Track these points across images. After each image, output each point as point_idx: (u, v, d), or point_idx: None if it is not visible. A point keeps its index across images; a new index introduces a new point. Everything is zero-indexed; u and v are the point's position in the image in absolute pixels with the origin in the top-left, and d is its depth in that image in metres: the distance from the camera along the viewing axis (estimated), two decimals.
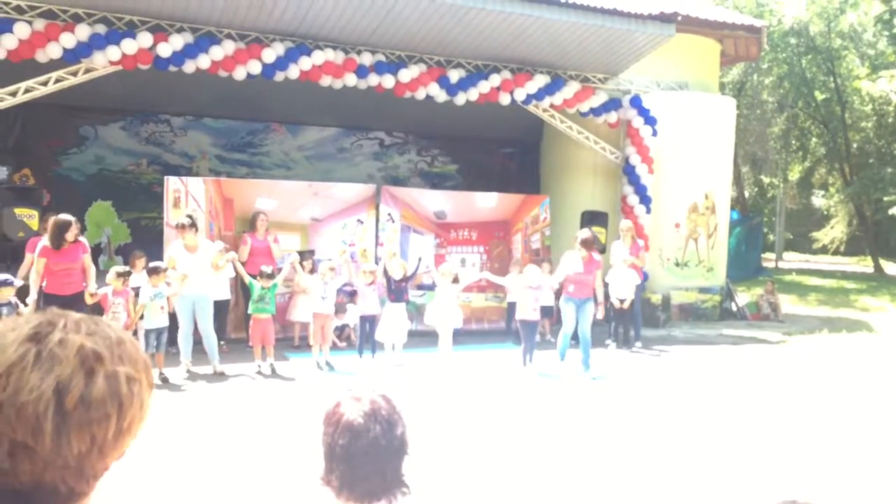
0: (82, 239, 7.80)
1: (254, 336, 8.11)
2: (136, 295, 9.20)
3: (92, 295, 7.66)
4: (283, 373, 8.02)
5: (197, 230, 8.25)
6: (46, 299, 7.43)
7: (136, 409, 0.94)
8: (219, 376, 7.87)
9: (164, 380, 7.49)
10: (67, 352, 0.90)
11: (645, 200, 12.80)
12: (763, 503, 1.31)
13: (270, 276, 8.32)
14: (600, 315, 9.20)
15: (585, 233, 9.11)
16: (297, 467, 4.47)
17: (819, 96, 27.99)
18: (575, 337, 8.82)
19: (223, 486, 4.73)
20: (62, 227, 7.47)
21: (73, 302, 7.37)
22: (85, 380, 0.90)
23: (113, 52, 9.68)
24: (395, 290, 8.98)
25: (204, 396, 7.08)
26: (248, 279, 8.40)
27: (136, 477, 4.48)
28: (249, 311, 8.34)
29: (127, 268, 8.21)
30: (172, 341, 8.22)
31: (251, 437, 5.77)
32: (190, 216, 8.30)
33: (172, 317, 8.05)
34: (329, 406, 1.81)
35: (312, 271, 9.72)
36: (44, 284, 7.48)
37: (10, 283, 6.93)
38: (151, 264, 8.04)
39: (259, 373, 7.97)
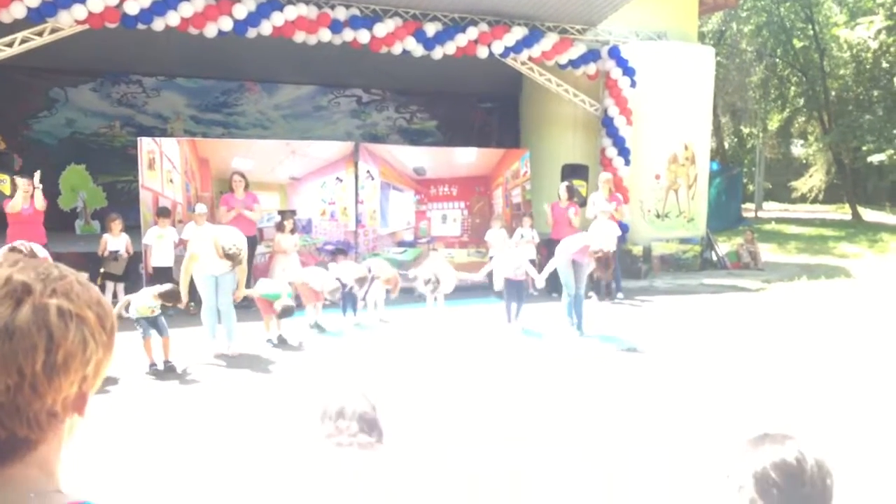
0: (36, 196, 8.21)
1: (262, 307, 7.84)
2: (114, 258, 9.15)
3: None
4: (293, 342, 7.81)
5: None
6: None
7: (73, 344, 0.88)
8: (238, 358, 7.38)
9: (171, 368, 6.73)
10: None
11: (624, 152, 12.77)
12: (737, 436, 1.32)
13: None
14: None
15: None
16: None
17: (797, 44, 27.92)
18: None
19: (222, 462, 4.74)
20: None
21: None
22: (11, 310, 0.86)
23: (79, 11, 9.41)
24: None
25: (214, 374, 6.87)
26: (246, 292, 7.85)
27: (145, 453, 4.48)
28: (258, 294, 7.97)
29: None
30: (193, 296, 7.65)
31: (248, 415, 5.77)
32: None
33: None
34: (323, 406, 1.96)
35: (293, 231, 9.65)
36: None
37: None
38: (164, 290, 6.87)
39: (270, 342, 7.69)
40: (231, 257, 6.96)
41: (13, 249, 6.69)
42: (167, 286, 6.95)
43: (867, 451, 4.68)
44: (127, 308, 6.76)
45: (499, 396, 5.87)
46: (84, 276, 0.98)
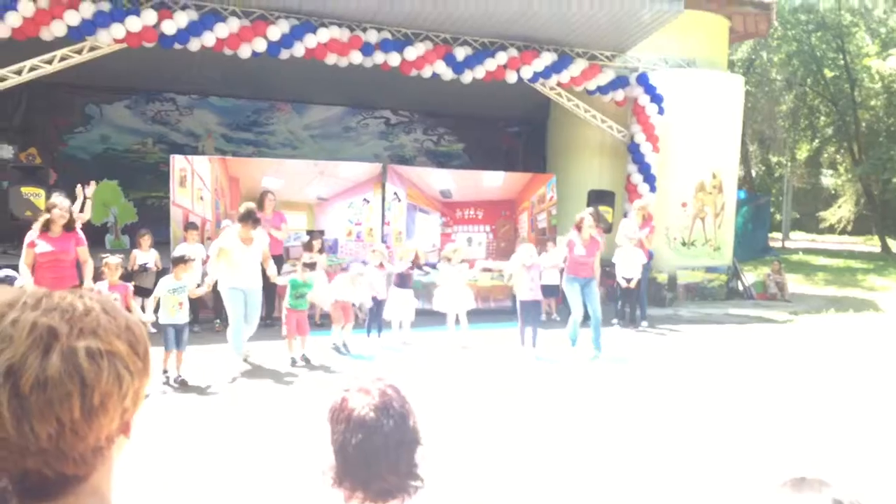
0: (80, 231, 6.98)
1: (289, 327, 7.84)
2: (143, 270, 9.25)
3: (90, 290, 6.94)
4: (315, 362, 7.84)
5: (257, 224, 7.58)
6: None
7: (108, 383, 0.87)
8: (256, 368, 7.55)
9: (183, 383, 6.75)
10: (19, 331, 0.85)
11: (649, 179, 12.74)
12: (771, 479, 1.29)
13: (311, 266, 8.14)
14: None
15: (587, 213, 8.88)
16: (311, 467, 4.50)
17: (828, 74, 27.74)
18: (587, 318, 8.69)
19: (234, 484, 4.76)
20: (47, 207, 6.78)
21: None
22: (40, 359, 0.84)
23: (117, 30, 9.62)
24: (400, 276, 8.97)
25: (236, 391, 6.86)
26: (279, 279, 7.91)
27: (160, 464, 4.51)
28: (287, 305, 8.07)
29: (119, 258, 7.34)
30: (219, 314, 7.96)
31: (273, 434, 5.80)
32: (252, 210, 7.56)
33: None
34: (335, 401, 1.68)
35: (322, 251, 9.72)
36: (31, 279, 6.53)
37: (11, 280, 5.84)
38: (177, 253, 7.26)
39: (293, 362, 7.67)
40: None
41: (182, 259, 6.85)
42: (176, 254, 7.09)
43: None
44: (157, 310, 6.82)
45: (513, 426, 5.85)
46: (110, 302, 0.95)
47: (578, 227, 8.67)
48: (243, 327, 7.49)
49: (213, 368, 7.29)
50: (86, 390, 0.85)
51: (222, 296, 7.57)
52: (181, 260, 6.95)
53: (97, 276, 7.14)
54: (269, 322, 9.22)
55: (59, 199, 6.86)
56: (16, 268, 6.44)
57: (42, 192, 9.74)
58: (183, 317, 6.86)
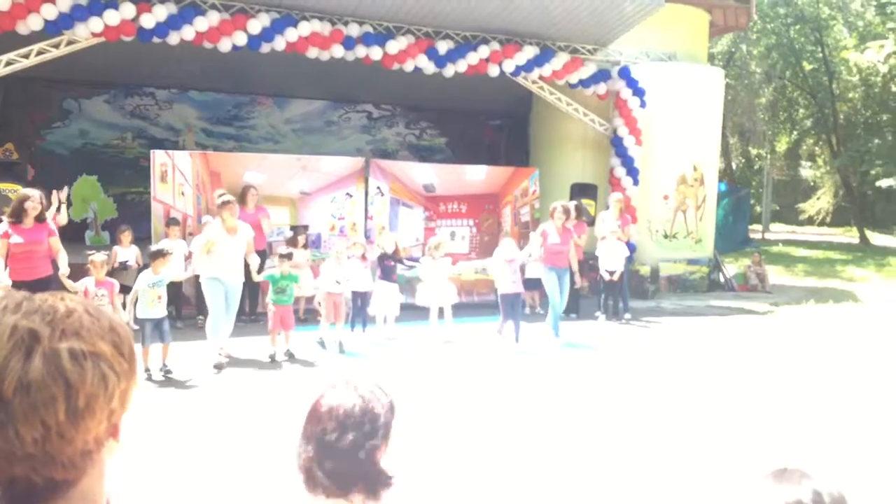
0: (50, 222, 7.12)
1: (273, 322, 7.83)
2: (124, 268, 9.18)
3: (69, 277, 7.05)
4: (299, 357, 7.83)
5: (236, 210, 7.63)
6: (13, 287, 6.83)
7: (93, 385, 0.86)
8: (239, 363, 7.53)
9: (168, 373, 6.82)
10: (0, 335, 0.84)
11: (632, 172, 12.80)
12: (754, 471, 1.30)
13: (287, 257, 8.11)
14: (578, 284, 9.54)
15: (559, 204, 9.14)
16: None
17: (807, 66, 28.00)
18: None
19: (219, 480, 4.74)
20: (20, 199, 6.84)
21: (39, 288, 6.84)
22: (22, 362, 0.82)
23: (95, 24, 9.51)
24: (384, 269, 8.95)
25: (219, 386, 6.84)
26: (258, 277, 7.92)
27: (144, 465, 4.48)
28: (270, 301, 8.04)
29: (105, 255, 7.60)
30: (179, 315, 8.24)
31: (258, 430, 5.78)
32: (232, 196, 7.62)
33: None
34: (313, 398, 1.72)
35: (306, 246, 9.67)
36: (6, 270, 6.70)
37: None
38: (154, 247, 7.38)
39: (272, 358, 7.65)
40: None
41: (160, 252, 6.94)
42: (154, 248, 7.23)
43: (881, 480, 4.66)
44: (136, 304, 6.93)
45: (497, 420, 5.87)
46: (91, 303, 0.93)
47: (552, 216, 9.06)
48: (223, 318, 7.45)
49: (195, 363, 7.25)
50: (70, 392, 0.84)
51: (202, 286, 7.55)
52: (159, 254, 7.04)
53: (83, 273, 7.20)
54: (255, 318, 9.18)
55: (31, 190, 6.98)
56: None
57: (20, 188, 9.59)
58: (161, 310, 6.95)
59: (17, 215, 6.79)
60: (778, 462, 1.48)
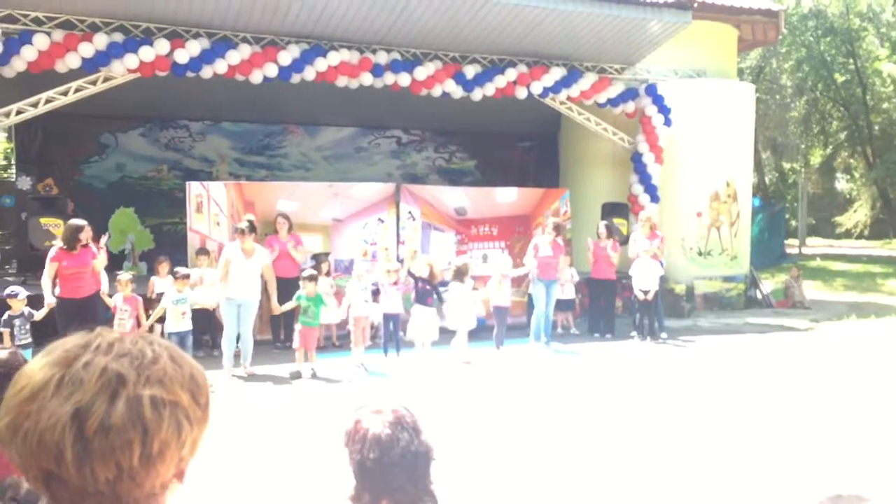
0: (91, 245, 7.95)
1: (300, 342, 8.08)
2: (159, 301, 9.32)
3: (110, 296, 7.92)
4: (323, 375, 7.99)
5: (255, 234, 8.26)
6: (61, 304, 7.49)
7: (168, 433, 0.88)
8: (253, 378, 7.92)
9: None
10: (90, 375, 0.86)
11: (650, 189, 12.68)
12: (806, 498, 1.27)
13: (312, 279, 8.27)
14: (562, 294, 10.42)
15: (551, 220, 10.08)
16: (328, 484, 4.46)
17: (839, 78, 27.65)
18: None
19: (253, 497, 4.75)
20: (76, 230, 7.69)
21: (87, 304, 7.62)
22: (107, 404, 0.86)
23: (131, 60, 9.75)
24: (420, 292, 8.93)
25: (242, 402, 6.97)
26: (278, 309, 8.21)
27: None
28: (298, 322, 8.21)
29: (130, 274, 8.49)
30: (216, 343, 8.58)
31: (289, 447, 5.79)
32: (250, 221, 8.22)
33: (198, 320, 8.24)
34: (349, 424, 1.74)
35: (328, 274, 9.73)
36: (57, 290, 7.59)
37: (17, 295, 7.13)
38: (177, 269, 8.27)
39: (296, 375, 7.93)
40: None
41: (181, 274, 7.94)
42: (180, 271, 8.16)
43: None
44: (162, 321, 7.82)
45: (522, 438, 5.81)
46: (177, 350, 0.98)
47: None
48: (235, 338, 7.93)
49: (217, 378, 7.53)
50: (146, 438, 0.87)
51: (219, 307, 8.12)
52: (176, 275, 8.13)
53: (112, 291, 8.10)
54: (289, 344, 9.23)
55: (81, 221, 7.91)
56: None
57: (61, 222, 9.82)
58: (186, 324, 7.91)
59: (71, 242, 7.61)
60: (831, 488, 1.44)
